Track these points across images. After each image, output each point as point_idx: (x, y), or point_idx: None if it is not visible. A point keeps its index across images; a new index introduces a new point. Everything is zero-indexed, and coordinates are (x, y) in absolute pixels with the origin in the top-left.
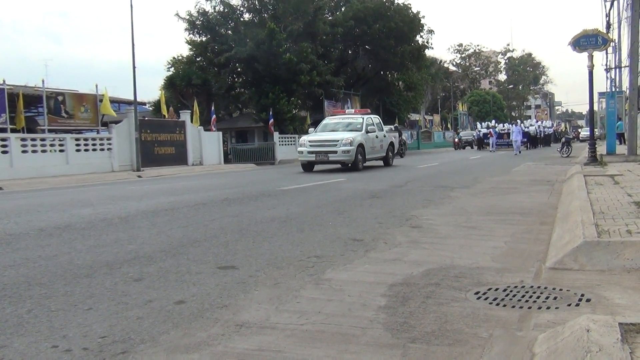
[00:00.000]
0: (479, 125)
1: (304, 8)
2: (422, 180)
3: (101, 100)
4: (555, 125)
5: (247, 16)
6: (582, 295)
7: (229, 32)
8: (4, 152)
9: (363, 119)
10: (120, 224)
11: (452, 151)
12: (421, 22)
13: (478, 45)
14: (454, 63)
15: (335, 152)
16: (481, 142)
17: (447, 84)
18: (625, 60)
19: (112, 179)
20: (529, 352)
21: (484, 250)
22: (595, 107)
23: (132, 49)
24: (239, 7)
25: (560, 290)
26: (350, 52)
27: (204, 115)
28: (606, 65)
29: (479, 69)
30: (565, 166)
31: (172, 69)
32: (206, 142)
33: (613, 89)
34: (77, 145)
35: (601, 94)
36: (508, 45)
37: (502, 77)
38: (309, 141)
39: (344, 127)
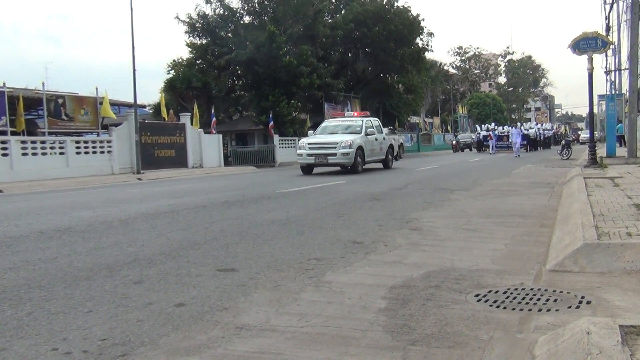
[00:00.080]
0: (478, 127)
1: (304, 11)
2: (422, 183)
3: (101, 103)
4: (555, 127)
5: (247, 19)
6: (583, 297)
7: (229, 34)
8: (4, 155)
9: (362, 121)
10: (120, 226)
11: (451, 154)
12: (421, 24)
13: (478, 48)
14: (454, 66)
15: (335, 154)
16: (481, 145)
17: (447, 87)
18: (625, 63)
19: (112, 182)
20: (529, 355)
21: (484, 253)
22: (595, 110)
23: (132, 52)
24: (239, 9)
25: (561, 292)
26: (350, 54)
27: (204, 118)
28: (606, 67)
29: (478, 71)
30: (565, 168)
31: (172, 71)
32: (206, 144)
33: (613, 92)
34: (77, 147)
35: (601, 97)
36: (508, 47)
37: (502, 79)
38: (308, 144)
39: (343, 130)
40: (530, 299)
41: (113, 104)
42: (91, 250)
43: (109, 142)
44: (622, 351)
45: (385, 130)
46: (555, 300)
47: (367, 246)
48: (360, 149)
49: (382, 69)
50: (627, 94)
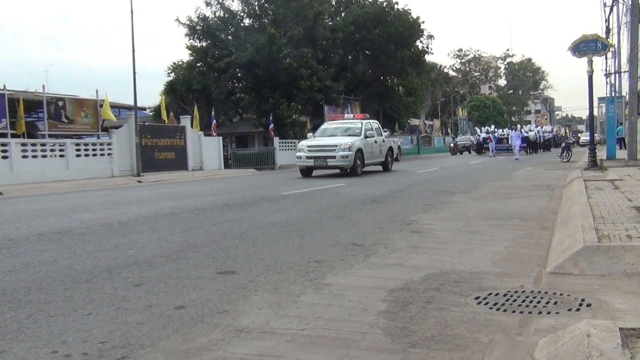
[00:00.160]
0: (478, 130)
1: (304, 13)
2: (422, 185)
3: (101, 106)
4: (555, 130)
5: (247, 21)
6: (583, 300)
7: (229, 37)
8: (5, 158)
9: (362, 123)
10: (120, 229)
11: (451, 156)
12: (421, 27)
13: (478, 51)
14: (454, 68)
15: (334, 157)
16: (481, 147)
17: (447, 89)
18: (624, 65)
19: (112, 184)
20: (529, 357)
21: (484, 255)
22: (595, 112)
23: (133, 54)
24: (239, 12)
25: (561, 295)
26: (350, 57)
27: (204, 121)
28: (606, 70)
29: (478, 74)
30: (565, 171)
31: (172, 74)
32: (206, 147)
33: (613, 94)
34: (77, 150)
35: (601, 99)
36: (508, 50)
37: (502, 82)
38: (308, 146)
39: (343, 132)
40: (531, 301)
41: (113, 106)
42: (91, 253)
43: (109, 144)
44: (622, 354)
45: (385, 132)
46: (556, 303)
47: (367, 249)
48: (359, 151)
49: (382, 72)
50: (627, 97)
